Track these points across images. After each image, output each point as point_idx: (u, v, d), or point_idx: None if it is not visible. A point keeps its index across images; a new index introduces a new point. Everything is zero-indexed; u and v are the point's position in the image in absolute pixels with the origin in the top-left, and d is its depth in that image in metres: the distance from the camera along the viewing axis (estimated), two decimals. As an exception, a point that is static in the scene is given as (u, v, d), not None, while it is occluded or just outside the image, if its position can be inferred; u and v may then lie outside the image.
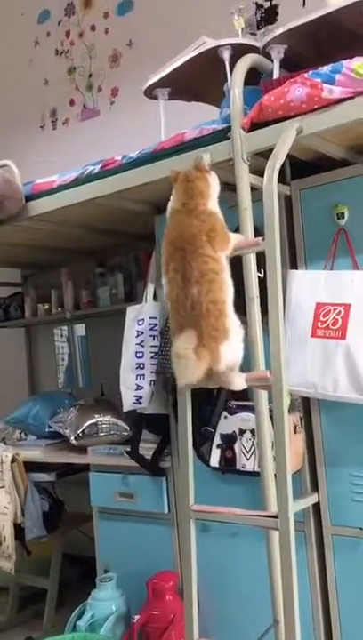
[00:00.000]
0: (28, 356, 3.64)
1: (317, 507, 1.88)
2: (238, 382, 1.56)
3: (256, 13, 2.81)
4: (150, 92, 2.25)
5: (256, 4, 2.81)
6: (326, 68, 1.63)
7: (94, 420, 2.55)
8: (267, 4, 2.79)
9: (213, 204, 1.58)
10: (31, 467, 2.68)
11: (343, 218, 1.79)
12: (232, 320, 1.50)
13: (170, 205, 1.61)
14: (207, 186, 1.58)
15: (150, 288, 2.32)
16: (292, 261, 1.90)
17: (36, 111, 3.75)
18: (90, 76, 3.51)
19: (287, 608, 1.51)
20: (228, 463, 1.96)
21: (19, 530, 2.59)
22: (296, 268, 1.88)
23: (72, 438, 2.57)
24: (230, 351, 1.48)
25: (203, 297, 1.47)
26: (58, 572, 2.79)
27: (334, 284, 1.76)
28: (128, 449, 2.31)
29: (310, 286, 1.79)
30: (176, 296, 1.50)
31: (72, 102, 3.60)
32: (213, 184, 1.60)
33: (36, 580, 2.88)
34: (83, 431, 2.55)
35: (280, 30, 1.88)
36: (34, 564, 2.89)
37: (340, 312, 1.73)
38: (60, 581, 2.80)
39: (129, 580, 2.27)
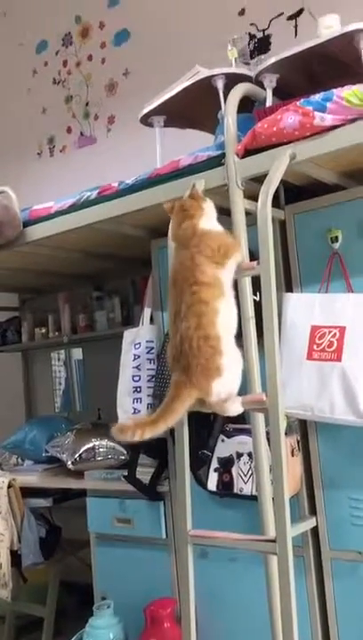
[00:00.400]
0: (25, 381, 3.64)
1: (315, 530, 1.87)
2: (234, 409, 1.55)
3: (249, 43, 2.88)
4: (146, 120, 2.29)
5: (249, 34, 2.88)
6: (317, 97, 1.67)
7: (91, 445, 2.53)
8: (260, 35, 2.86)
9: (206, 224, 1.59)
10: (28, 492, 2.66)
11: (337, 241, 1.82)
12: (228, 357, 1.48)
13: (169, 241, 1.63)
14: (201, 212, 1.60)
15: (147, 312, 2.33)
16: (287, 284, 1.91)
17: (34, 138, 3.81)
18: (87, 104, 3.58)
19: (287, 634, 1.50)
20: (225, 487, 1.95)
21: (15, 557, 2.56)
22: (291, 291, 1.89)
23: (69, 463, 2.55)
24: (223, 385, 1.48)
25: (192, 332, 1.45)
26: (55, 600, 2.75)
27: (329, 307, 1.77)
28: (125, 473, 2.30)
29: (305, 309, 1.81)
30: (169, 331, 1.50)
31: (69, 130, 3.65)
32: (209, 209, 1.62)
33: (32, 607, 2.84)
34: (80, 455, 2.54)
35: (273, 60, 1.93)
36: (30, 592, 2.85)
37: (335, 334, 1.74)
38: (56, 609, 2.76)
39: (127, 607, 2.24)
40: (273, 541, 1.53)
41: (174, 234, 1.61)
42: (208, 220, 1.61)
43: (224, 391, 1.49)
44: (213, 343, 1.46)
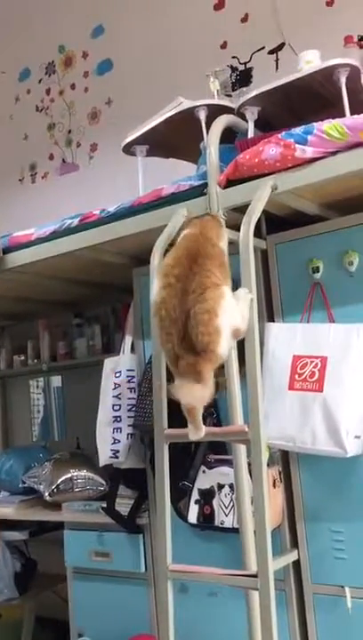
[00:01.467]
0: (3, 408, 3.57)
1: (297, 564, 1.84)
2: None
3: (231, 76, 2.93)
4: (129, 149, 2.31)
5: (231, 66, 2.93)
6: (298, 129, 1.69)
7: (69, 475, 2.48)
8: (241, 67, 2.91)
9: (224, 245, 1.60)
10: (3, 524, 2.59)
11: (318, 272, 1.83)
12: (222, 318, 1.44)
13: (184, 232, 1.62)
14: (220, 227, 1.63)
15: (128, 340, 2.31)
16: (269, 314, 1.91)
17: (16, 165, 3.81)
18: (69, 132, 3.60)
19: (269, 672, 1.46)
20: (206, 519, 1.92)
21: (-11, 592, 2.49)
22: (273, 321, 1.89)
23: (46, 494, 2.49)
24: (226, 343, 1.45)
25: (197, 305, 1.44)
26: (30, 637, 2.67)
27: (310, 337, 1.77)
28: (104, 505, 2.25)
29: (287, 339, 1.81)
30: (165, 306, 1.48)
31: (51, 157, 3.66)
32: (224, 230, 1.64)
33: (6, 645, 2.76)
34: (57, 486, 2.48)
35: (254, 92, 1.96)
36: (4, 628, 2.76)
37: (317, 364, 1.74)
38: (31, 647, 2.68)
39: (104, 645, 2.18)
40: (255, 576, 1.50)
41: (197, 227, 1.59)
42: (225, 241, 1.63)
43: (227, 349, 1.47)
44: (213, 311, 1.44)
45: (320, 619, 1.80)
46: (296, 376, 1.76)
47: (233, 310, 1.50)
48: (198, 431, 1.54)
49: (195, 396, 1.45)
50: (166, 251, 1.77)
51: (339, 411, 1.68)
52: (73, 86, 3.59)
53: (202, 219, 1.64)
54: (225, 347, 1.45)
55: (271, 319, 1.90)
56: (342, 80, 1.84)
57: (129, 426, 2.16)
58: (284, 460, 1.88)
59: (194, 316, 1.43)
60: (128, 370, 2.23)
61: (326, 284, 1.82)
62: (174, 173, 2.19)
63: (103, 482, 2.45)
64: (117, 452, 2.17)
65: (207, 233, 1.58)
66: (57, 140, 3.65)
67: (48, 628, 2.84)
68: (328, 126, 1.63)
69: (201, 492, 1.93)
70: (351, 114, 1.83)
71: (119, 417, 2.19)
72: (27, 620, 2.67)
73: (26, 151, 3.78)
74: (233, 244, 1.72)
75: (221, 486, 1.90)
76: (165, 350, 1.51)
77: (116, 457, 2.17)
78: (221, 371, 1.71)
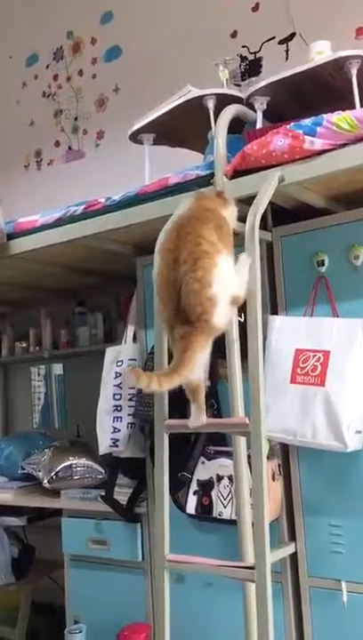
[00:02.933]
0: (4, 395, 3.57)
1: (294, 557, 1.85)
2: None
3: (241, 65, 2.90)
4: (135, 137, 2.29)
5: (241, 56, 2.90)
6: (307, 121, 1.67)
7: (68, 463, 2.48)
8: (251, 57, 2.88)
9: (225, 214, 1.54)
10: (1, 510, 2.60)
11: (323, 265, 1.82)
12: (217, 286, 1.41)
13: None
14: (223, 200, 1.58)
15: (130, 329, 2.31)
16: (272, 307, 1.91)
17: (21, 151, 3.79)
18: (76, 118, 3.57)
19: (263, 664, 1.46)
20: (204, 510, 1.92)
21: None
22: (277, 314, 1.89)
23: (45, 481, 2.50)
24: (222, 314, 1.42)
25: (189, 275, 1.40)
26: (25, 622, 2.69)
27: (314, 331, 1.77)
28: (103, 493, 2.25)
29: (290, 332, 1.80)
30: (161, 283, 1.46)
31: (57, 144, 3.64)
32: (230, 205, 1.59)
33: (2, 629, 2.77)
34: (56, 474, 2.48)
35: (263, 83, 1.94)
36: (0, 613, 2.77)
37: (319, 358, 1.73)
38: (27, 631, 2.69)
39: (99, 632, 2.18)
40: (252, 568, 1.50)
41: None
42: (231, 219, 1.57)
43: (224, 319, 1.44)
44: (205, 281, 1.41)
45: (316, 612, 1.80)
46: (298, 370, 1.76)
47: (230, 279, 1.45)
48: (200, 413, 1.54)
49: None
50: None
51: (340, 405, 1.67)
52: (81, 72, 3.56)
53: (204, 193, 1.61)
54: (221, 317, 1.42)
55: (275, 312, 1.89)
56: (353, 72, 1.82)
57: (129, 415, 2.16)
58: (284, 453, 1.87)
59: (185, 286, 1.40)
60: (130, 359, 2.23)
61: (330, 278, 1.81)
62: (181, 163, 2.17)
63: (102, 470, 2.45)
64: (117, 441, 2.17)
65: (203, 201, 1.54)
66: (63, 127, 3.62)
67: (44, 613, 2.85)
68: (338, 118, 1.62)
69: (200, 482, 1.93)
70: (362, 106, 1.81)
71: (120, 406, 2.19)
72: (23, 605, 2.69)
73: (32, 137, 3.75)
74: (238, 236, 1.70)
75: (220, 478, 1.90)
76: (163, 322, 1.49)
77: (116, 446, 2.18)
78: (223, 362, 1.71)
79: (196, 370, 1.45)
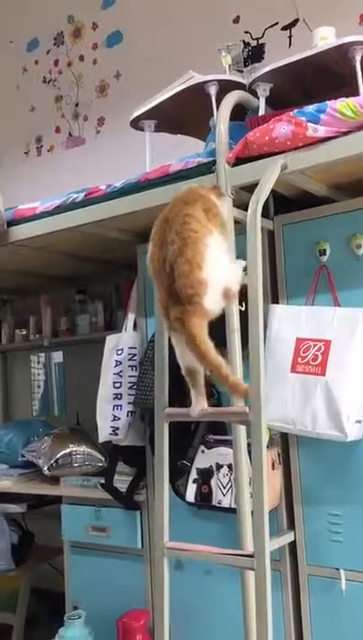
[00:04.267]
0: (4, 383, 3.58)
1: (293, 545, 1.85)
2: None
3: (243, 51, 2.87)
4: (136, 124, 2.27)
5: (243, 42, 2.87)
6: (311, 108, 1.66)
7: (68, 450, 2.49)
8: (254, 43, 2.85)
9: (215, 200, 1.53)
10: (1, 497, 2.61)
11: (325, 254, 1.81)
12: (208, 270, 1.39)
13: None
14: (215, 190, 1.58)
15: (131, 317, 2.30)
16: (273, 296, 1.90)
17: (21, 137, 3.76)
18: (76, 104, 3.54)
19: (261, 651, 1.47)
20: (204, 498, 1.92)
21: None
22: (277, 303, 1.88)
23: (45, 468, 2.50)
24: (214, 299, 1.41)
25: (177, 254, 1.39)
26: (25, 608, 2.71)
27: (315, 320, 1.76)
28: (102, 481, 2.26)
29: (290, 321, 1.79)
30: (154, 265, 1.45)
31: (58, 130, 3.62)
32: (224, 197, 1.59)
33: (1, 615, 2.79)
34: (56, 461, 2.49)
35: (266, 69, 1.92)
36: (0, 599, 2.79)
37: (320, 348, 1.72)
38: (27, 617, 2.71)
39: (99, 618, 2.20)
40: (251, 556, 1.50)
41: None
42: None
43: (221, 308, 1.44)
44: (194, 262, 1.39)
45: (314, 600, 1.81)
46: (299, 359, 1.75)
47: (222, 263, 1.44)
48: (200, 399, 1.53)
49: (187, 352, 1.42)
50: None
51: (341, 395, 1.67)
52: (82, 58, 3.53)
53: (198, 185, 1.60)
54: (213, 301, 1.41)
55: (276, 301, 1.89)
56: (357, 58, 1.80)
57: (129, 403, 2.16)
58: (283, 442, 1.88)
59: (176, 267, 1.39)
60: (130, 348, 2.22)
61: (332, 267, 1.80)
62: (182, 150, 2.16)
63: (102, 458, 2.45)
64: (117, 429, 2.17)
65: (194, 189, 1.53)
66: (64, 113, 3.60)
67: (44, 599, 2.88)
68: (342, 105, 1.60)
69: (199, 471, 1.94)
70: (366, 93, 1.80)
71: (120, 394, 2.18)
72: (22, 590, 2.70)
73: (32, 123, 3.72)
74: (240, 224, 1.69)
75: (219, 466, 1.90)
76: (159, 304, 1.48)
77: (116, 434, 2.18)
78: (223, 351, 1.71)
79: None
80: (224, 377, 1.40)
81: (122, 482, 2.22)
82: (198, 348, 1.39)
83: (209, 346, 1.40)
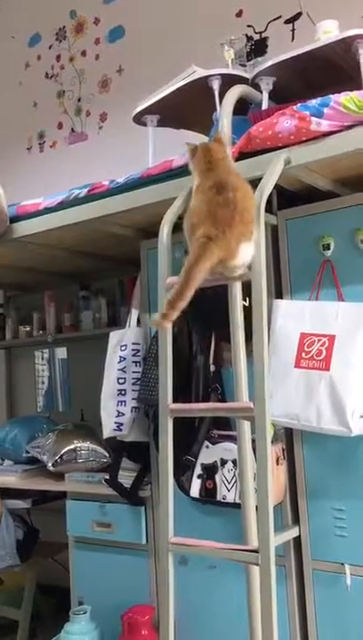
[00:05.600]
0: (8, 379, 3.58)
1: (297, 540, 1.85)
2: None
3: (246, 45, 2.86)
4: (139, 119, 2.26)
5: (246, 35, 2.86)
6: (314, 102, 1.65)
7: (73, 446, 2.49)
8: (257, 37, 2.84)
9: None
10: (6, 493, 2.61)
11: (329, 249, 1.80)
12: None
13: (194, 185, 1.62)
14: (225, 151, 1.63)
15: (134, 313, 2.30)
16: (277, 291, 1.89)
17: (24, 133, 3.75)
18: (79, 100, 3.53)
19: (267, 646, 1.47)
20: (208, 494, 1.92)
21: (-9, 559, 2.52)
22: (281, 298, 1.87)
23: (50, 464, 2.50)
24: (248, 253, 1.51)
25: (240, 198, 1.49)
26: (30, 603, 2.71)
27: (319, 315, 1.75)
28: (107, 476, 2.26)
29: (295, 316, 1.79)
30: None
31: (60, 125, 3.61)
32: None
33: (7, 610, 2.80)
34: (61, 457, 2.49)
35: (269, 63, 1.91)
36: (6, 594, 2.81)
37: (324, 343, 1.72)
38: (32, 613, 2.72)
39: (104, 613, 2.20)
40: (256, 551, 1.51)
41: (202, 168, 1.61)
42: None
43: (245, 260, 1.51)
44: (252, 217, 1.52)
45: (319, 595, 1.81)
46: (303, 354, 1.75)
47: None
48: None
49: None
50: (176, 224, 1.74)
51: (345, 390, 1.67)
52: (84, 53, 3.52)
53: (206, 146, 1.64)
54: (240, 257, 1.49)
55: (280, 296, 1.88)
56: (361, 51, 1.80)
57: (133, 399, 2.16)
58: (288, 437, 1.88)
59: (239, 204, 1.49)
60: (133, 343, 2.22)
61: (336, 262, 1.79)
62: (185, 145, 2.15)
63: (106, 454, 2.45)
64: (121, 424, 2.17)
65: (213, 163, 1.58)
66: (66, 109, 3.59)
67: (49, 594, 2.89)
68: (346, 99, 1.59)
69: (204, 466, 1.94)
70: (369, 87, 1.79)
71: (124, 390, 2.18)
72: (28, 586, 2.71)
73: (34, 119, 3.72)
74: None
75: (224, 462, 1.90)
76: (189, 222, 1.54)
77: (120, 430, 2.18)
78: (227, 346, 1.71)
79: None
80: (170, 302, 1.44)
81: (126, 477, 2.22)
82: (192, 270, 1.43)
83: (198, 278, 1.44)
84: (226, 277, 1.59)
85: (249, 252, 1.51)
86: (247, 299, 1.62)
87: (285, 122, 1.67)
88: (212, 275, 1.50)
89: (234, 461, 1.85)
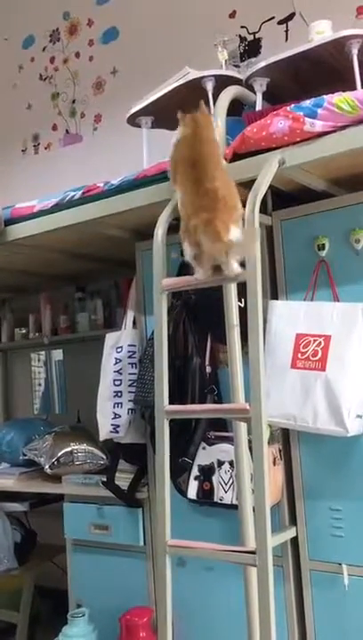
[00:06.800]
0: (4, 381, 3.58)
1: (295, 541, 1.85)
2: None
3: (240, 46, 2.86)
4: (133, 120, 2.26)
5: (240, 36, 2.86)
6: (308, 102, 1.65)
7: (70, 449, 2.49)
8: (250, 38, 2.84)
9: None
10: (3, 496, 2.61)
11: (324, 249, 1.80)
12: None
13: (178, 135, 1.66)
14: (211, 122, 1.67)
15: (130, 315, 2.30)
16: (272, 292, 1.89)
17: (19, 135, 3.74)
18: (73, 102, 3.53)
19: (265, 647, 1.47)
20: (205, 495, 1.92)
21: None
22: (277, 299, 1.87)
23: (47, 467, 2.50)
24: (238, 233, 1.52)
25: (227, 185, 1.55)
26: (29, 606, 2.71)
27: (314, 316, 1.76)
28: (104, 478, 2.26)
29: (290, 317, 1.79)
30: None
31: (55, 127, 3.60)
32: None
33: (5, 613, 2.79)
34: (58, 459, 2.49)
35: (263, 64, 1.92)
36: (3, 598, 2.80)
37: (320, 343, 1.72)
38: (30, 615, 2.71)
39: (102, 616, 2.20)
40: (253, 553, 1.50)
41: (190, 127, 1.66)
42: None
43: (239, 238, 1.52)
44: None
45: (317, 595, 1.81)
46: (299, 354, 1.75)
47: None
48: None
49: None
50: (171, 226, 1.74)
51: (341, 390, 1.67)
52: (78, 55, 3.51)
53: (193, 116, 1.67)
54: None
55: (275, 297, 1.88)
56: (354, 52, 1.80)
57: (130, 401, 2.16)
58: (284, 437, 1.88)
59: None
60: (129, 345, 2.22)
61: (331, 262, 1.80)
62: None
63: (103, 456, 2.45)
64: (118, 426, 2.17)
65: (199, 130, 1.63)
66: (61, 111, 3.58)
67: (47, 597, 2.88)
68: (339, 99, 1.59)
69: (201, 468, 1.94)
70: (363, 87, 1.79)
71: (120, 392, 2.18)
72: (26, 589, 2.71)
73: (29, 121, 3.71)
74: (238, 220, 1.68)
75: (220, 463, 1.90)
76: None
77: (117, 432, 2.18)
78: (223, 347, 1.71)
79: None
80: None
81: (123, 479, 2.22)
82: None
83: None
84: (221, 279, 1.59)
85: (239, 233, 1.53)
86: (243, 300, 1.62)
87: (279, 122, 1.67)
88: (209, 261, 1.55)
89: (231, 463, 1.85)
